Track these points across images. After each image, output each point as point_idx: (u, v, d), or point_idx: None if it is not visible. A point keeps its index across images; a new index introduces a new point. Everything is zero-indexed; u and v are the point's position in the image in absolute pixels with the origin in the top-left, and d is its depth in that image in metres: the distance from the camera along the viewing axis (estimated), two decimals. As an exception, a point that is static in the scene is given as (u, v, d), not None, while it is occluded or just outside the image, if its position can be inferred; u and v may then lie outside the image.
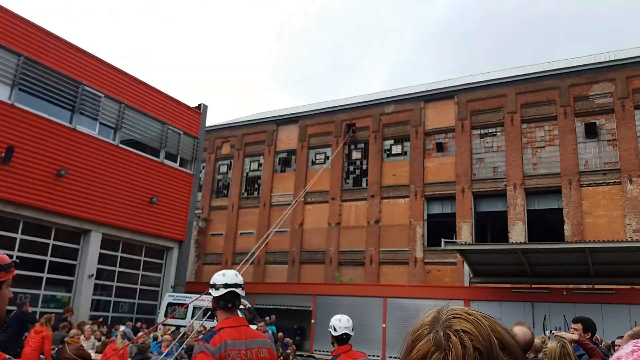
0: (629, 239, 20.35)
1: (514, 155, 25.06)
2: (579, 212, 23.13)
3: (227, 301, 3.59)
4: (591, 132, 23.73)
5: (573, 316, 16.33)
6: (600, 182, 23.23)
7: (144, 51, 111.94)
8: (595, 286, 18.48)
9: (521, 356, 1.04)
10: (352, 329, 5.04)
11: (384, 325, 20.88)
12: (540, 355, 3.53)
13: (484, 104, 26.51)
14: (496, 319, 1.09)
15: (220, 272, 3.70)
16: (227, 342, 3.34)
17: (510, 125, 25.54)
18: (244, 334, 3.50)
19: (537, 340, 3.86)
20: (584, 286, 18.86)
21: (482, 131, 26.49)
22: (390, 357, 20.33)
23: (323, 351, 20.92)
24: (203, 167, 33.33)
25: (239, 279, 3.69)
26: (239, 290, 3.63)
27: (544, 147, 24.91)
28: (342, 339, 4.92)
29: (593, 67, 24.58)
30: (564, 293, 18.45)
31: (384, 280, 26.23)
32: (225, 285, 3.59)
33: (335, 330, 4.94)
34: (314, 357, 14.51)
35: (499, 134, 26.06)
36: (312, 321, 23.20)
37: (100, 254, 19.00)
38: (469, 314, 1.06)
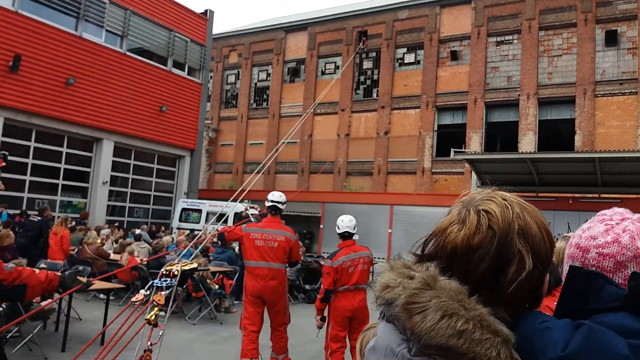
0: (640, 149, 20.27)
1: (530, 64, 24.41)
2: (591, 122, 22.88)
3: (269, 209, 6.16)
4: (611, 40, 22.89)
5: (577, 224, 16.65)
6: (616, 92, 22.75)
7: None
8: (602, 195, 18.66)
9: (543, 249, 1.04)
10: (354, 228, 5.78)
11: (390, 231, 21.50)
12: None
13: (502, 9, 25.44)
14: (539, 211, 1.10)
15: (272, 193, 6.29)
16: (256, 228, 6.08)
17: (527, 33, 24.66)
18: (270, 226, 6.03)
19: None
20: (590, 195, 19.07)
21: (499, 39, 25.64)
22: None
23: (329, 253, 21.73)
24: (211, 77, 32.90)
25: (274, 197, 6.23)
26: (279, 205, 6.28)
27: (560, 55, 24.19)
28: (345, 236, 5.78)
29: (619, -32, 23.23)
30: (570, 202, 18.69)
31: (392, 189, 26.62)
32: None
33: (339, 228, 5.83)
34: (322, 256, 15.19)
35: (515, 41, 25.23)
36: (321, 226, 23.94)
37: (113, 162, 19.37)
38: (504, 199, 1.08)
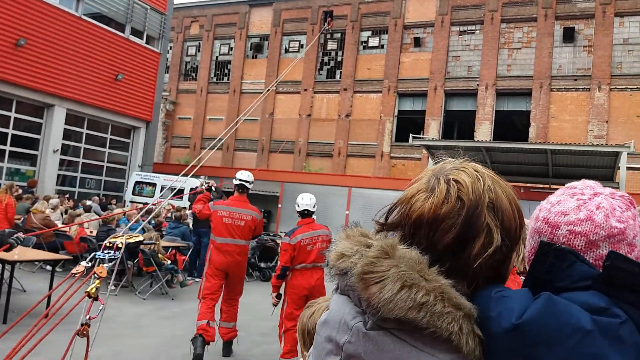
0: (590, 144, 21.06)
1: (490, 55, 24.85)
2: (545, 115, 23.57)
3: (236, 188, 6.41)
4: (569, 36, 23.55)
5: (529, 213, 17.21)
6: (571, 87, 23.48)
7: None
8: (552, 186, 19.33)
9: (513, 225, 0.99)
10: (314, 207, 5.78)
11: (347, 212, 21.67)
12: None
13: (467, -1, 25.72)
14: (510, 186, 1.05)
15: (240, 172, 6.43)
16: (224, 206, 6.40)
17: (490, 24, 25.04)
18: (237, 205, 6.35)
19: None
20: (541, 186, 19.73)
21: (461, 28, 25.94)
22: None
23: (286, 232, 21.75)
24: (170, 48, 31.98)
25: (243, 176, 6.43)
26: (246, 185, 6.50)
27: (520, 48, 24.73)
28: (304, 214, 5.78)
29: (580, -34, 23.82)
30: (522, 191, 19.28)
31: (350, 172, 26.77)
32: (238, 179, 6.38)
33: (298, 206, 5.81)
34: (280, 235, 15.17)
35: (477, 32, 25.59)
36: (279, 205, 23.89)
37: (65, 130, 18.59)
38: (476, 170, 1.04)
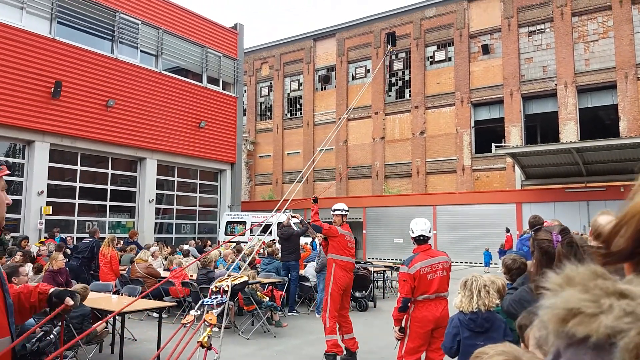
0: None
1: (565, 52, 23.79)
2: (635, 106, 22.10)
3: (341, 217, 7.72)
4: (651, 19, 22.12)
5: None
6: (660, 73, 21.93)
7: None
8: (655, 181, 17.98)
9: None
10: (430, 231, 5.35)
11: (434, 232, 21.22)
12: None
13: (532, -2, 24.93)
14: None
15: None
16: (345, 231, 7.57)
17: (560, 20, 24.06)
18: (348, 230, 7.57)
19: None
20: (642, 182, 18.37)
21: (530, 29, 25.10)
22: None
23: (376, 258, 21.64)
24: (245, 91, 33.36)
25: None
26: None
27: (597, 40, 23.50)
28: (420, 240, 5.34)
29: (654, -54, 22.44)
30: (622, 190, 18.07)
31: (432, 190, 26.31)
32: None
33: (413, 232, 5.36)
34: (371, 262, 15.07)
35: (547, 30, 24.65)
36: (364, 231, 23.87)
37: (158, 180, 19.77)
38: None
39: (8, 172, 2.05)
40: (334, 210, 7.70)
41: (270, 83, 34.18)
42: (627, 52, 22.41)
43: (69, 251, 13.04)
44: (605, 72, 22.96)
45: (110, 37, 18.15)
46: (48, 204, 15.97)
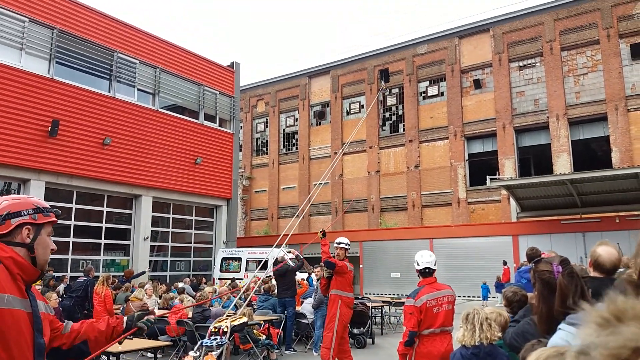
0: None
1: (555, 85, 24.24)
2: (627, 138, 22.38)
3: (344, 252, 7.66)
4: (637, 52, 22.65)
5: (627, 244, 16.00)
6: (650, 105, 22.31)
7: (168, 12, 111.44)
8: (650, 211, 18.06)
9: None
10: (435, 264, 5.25)
11: (432, 266, 21.07)
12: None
13: (521, 34, 25.52)
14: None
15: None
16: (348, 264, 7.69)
17: (549, 55, 24.59)
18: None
19: (624, 258, 3.80)
20: (637, 213, 18.45)
21: (521, 63, 25.63)
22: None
23: (373, 294, 21.41)
24: (241, 127, 33.65)
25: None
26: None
27: (586, 73, 23.98)
28: (426, 272, 5.26)
29: (637, -17, 23.17)
30: (617, 221, 18.12)
31: (428, 223, 26.30)
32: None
33: (418, 264, 5.28)
34: (369, 298, 14.90)
35: (538, 64, 25.17)
36: (361, 266, 23.68)
37: (153, 217, 19.67)
38: None
39: (55, 219, 2.19)
40: (339, 244, 7.74)
41: (266, 119, 34.52)
42: (616, 85, 22.84)
43: (61, 290, 12.88)
44: (596, 105, 23.34)
45: (108, 76, 18.37)
46: (42, 242, 15.80)
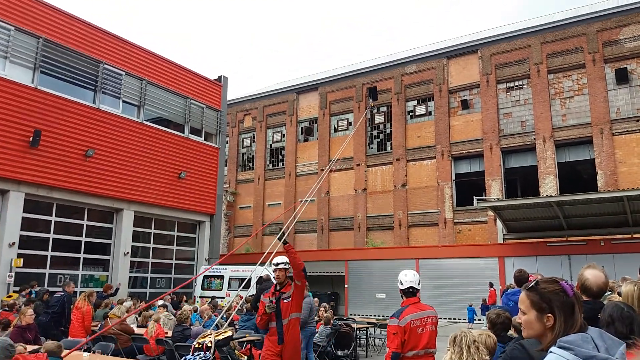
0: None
1: (542, 108, 24.43)
2: (612, 161, 22.54)
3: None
4: (622, 77, 22.93)
5: (612, 267, 15.91)
6: (634, 129, 22.53)
7: (156, 25, 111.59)
8: (635, 235, 18.07)
9: None
10: (419, 284, 5.13)
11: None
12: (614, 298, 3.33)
13: (509, 56, 25.77)
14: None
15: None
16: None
17: (536, 77, 24.83)
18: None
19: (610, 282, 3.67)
20: (621, 236, 18.48)
21: (508, 85, 25.83)
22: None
23: (358, 315, 21.10)
24: (227, 142, 33.39)
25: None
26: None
27: (572, 97, 24.22)
28: (409, 292, 5.14)
29: (622, 9, 23.56)
30: (602, 244, 18.11)
31: (414, 243, 26.16)
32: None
33: (402, 284, 5.14)
34: (353, 319, 14.62)
35: (525, 86, 25.38)
36: (346, 286, 23.36)
37: (134, 232, 19.26)
38: None
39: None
40: (277, 265, 6.37)
41: (253, 134, 34.32)
42: (601, 109, 23.08)
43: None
44: (582, 128, 23.54)
45: (93, 87, 18.09)
46: (19, 255, 15.37)
